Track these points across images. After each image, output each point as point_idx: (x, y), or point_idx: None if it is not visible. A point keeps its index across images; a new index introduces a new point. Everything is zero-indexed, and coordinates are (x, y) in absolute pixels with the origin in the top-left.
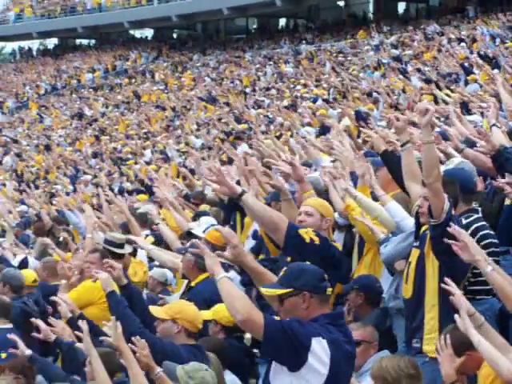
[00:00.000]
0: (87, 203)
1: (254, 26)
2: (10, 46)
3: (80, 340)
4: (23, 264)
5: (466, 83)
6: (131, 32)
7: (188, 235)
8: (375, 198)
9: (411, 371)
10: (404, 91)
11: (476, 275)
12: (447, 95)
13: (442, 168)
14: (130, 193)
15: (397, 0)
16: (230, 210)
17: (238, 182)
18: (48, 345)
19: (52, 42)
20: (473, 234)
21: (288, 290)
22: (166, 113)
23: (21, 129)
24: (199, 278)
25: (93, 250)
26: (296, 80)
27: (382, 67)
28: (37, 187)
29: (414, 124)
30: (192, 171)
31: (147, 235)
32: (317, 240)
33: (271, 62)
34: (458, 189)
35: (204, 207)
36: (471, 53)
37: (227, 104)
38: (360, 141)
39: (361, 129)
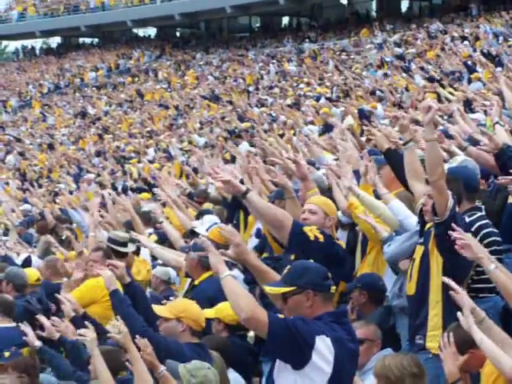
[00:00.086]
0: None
1: (257, 25)
2: (13, 45)
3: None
4: (26, 263)
5: (470, 81)
6: (134, 31)
7: (191, 234)
8: (378, 197)
9: (414, 370)
10: (407, 89)
11: (479, 273)
12: (450, 93)
13: (446, 166)
14: (134, 190)
15: None
16: (234, 208)
17: (242, 181)
18: (52, 343)
19: (55, 41)
20: (476, 232)
21: (292, 288)
22: (169, 111)
23: (24, 128)
24: (203, 277)
25: (96, 248)
26: (299, 78)
27: (385, 65)
28: (40, 186)
29: (417, 122)
30: (195, 170)
31: (150, 234)
32: (321, 238)
33: (274, 61)
34: (462, 187)
35: (207, 206)
36: (474, 51)
37: (230, 102)
38: (363, 139)
39: (364, 127)
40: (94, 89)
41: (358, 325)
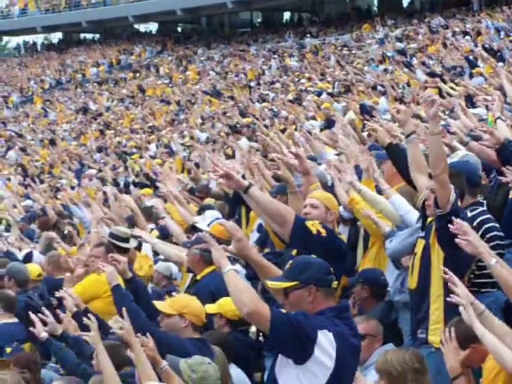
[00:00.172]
0: (91, 198)
1: (259, 20)
2: (14, 41)
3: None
4: (27, 258)
5: (471, 76)
6: (136, 26)
7: (192, 229)
8: (380, 192)
9: (416, 365)
10: (409, 84)
11: (481, 268)
12: (452, 88)
13: (447, 161)
14: (136, 185)
15: None
16: (235, 203)
17: (243, 176)
18: (54, 338)
19: (56, 37)
20: (478, 227)
21: (294, 283)
22: (171, 107)
23: (25, 123)
24: (205, 272)
25: (98, 243)
26: (300, 73)
27: (386, 60)
28: (42, 181)
29: (418, 117)
30: (197, 165)
31: (152, 229)
32: (323, 232)
33: (276, 56)
34: (464, 181)
35: (209, 201)
36: (476, 46)
37: (232, 98)
38: (365, 134)
39: (365, 122)
40: (96, 84)
41: (359, 320)
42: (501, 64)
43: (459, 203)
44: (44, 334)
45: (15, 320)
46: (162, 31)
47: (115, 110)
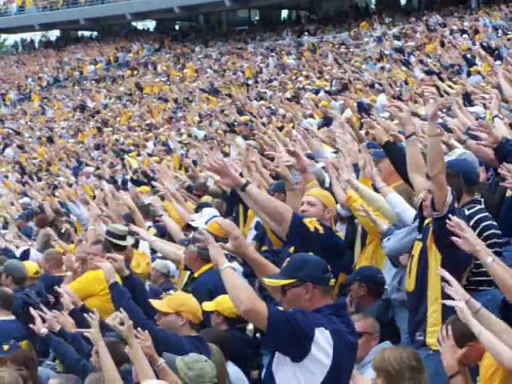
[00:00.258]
0: (89, 195)
1: (257, 18)
2: (12, 38)
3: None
4: (24, 255)
5: (469, 74)
6: (133, 24)
7: (188, 227)
8: (377, 190)
9: (413, 363)
10: (406, 83)
11: (478, 266)
12: (449, 86)
13: (445, 159)
14: (134, 182)
15: None
16: (233, 201)
17: (241, 174)
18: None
19: (54, 34)
20: (475, 225)
21: (291, 280)
22: (169, 104)
23: (23, 121)
24: (202, 269)
25: (95, 241)
26: (298, 71)
27: (384, 58)
28: (39, 179)
29: (415, 115)
30: (195, 163)
31: (149, 227)
32: (321, 229)
33: (273, 54)
34: (462, 180)
35: (206, 199)
36: (474, 44)
37: (229, 96)
38: (362, 132)
39: (363, 120)
40: (93, 82)
41: (357, 318)
42: (498, 62)
43: (456, 205)
44: (44, 330)
45: (12, 317)
46: (159, 29)
47: (113, 108)
